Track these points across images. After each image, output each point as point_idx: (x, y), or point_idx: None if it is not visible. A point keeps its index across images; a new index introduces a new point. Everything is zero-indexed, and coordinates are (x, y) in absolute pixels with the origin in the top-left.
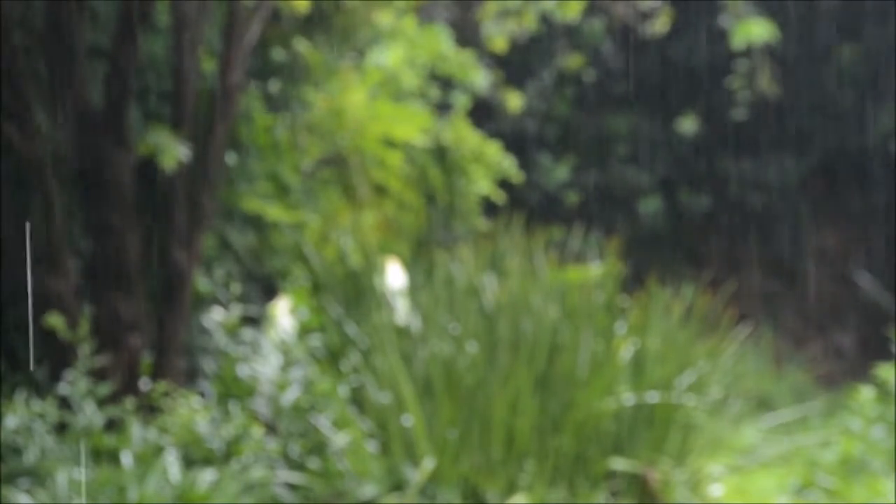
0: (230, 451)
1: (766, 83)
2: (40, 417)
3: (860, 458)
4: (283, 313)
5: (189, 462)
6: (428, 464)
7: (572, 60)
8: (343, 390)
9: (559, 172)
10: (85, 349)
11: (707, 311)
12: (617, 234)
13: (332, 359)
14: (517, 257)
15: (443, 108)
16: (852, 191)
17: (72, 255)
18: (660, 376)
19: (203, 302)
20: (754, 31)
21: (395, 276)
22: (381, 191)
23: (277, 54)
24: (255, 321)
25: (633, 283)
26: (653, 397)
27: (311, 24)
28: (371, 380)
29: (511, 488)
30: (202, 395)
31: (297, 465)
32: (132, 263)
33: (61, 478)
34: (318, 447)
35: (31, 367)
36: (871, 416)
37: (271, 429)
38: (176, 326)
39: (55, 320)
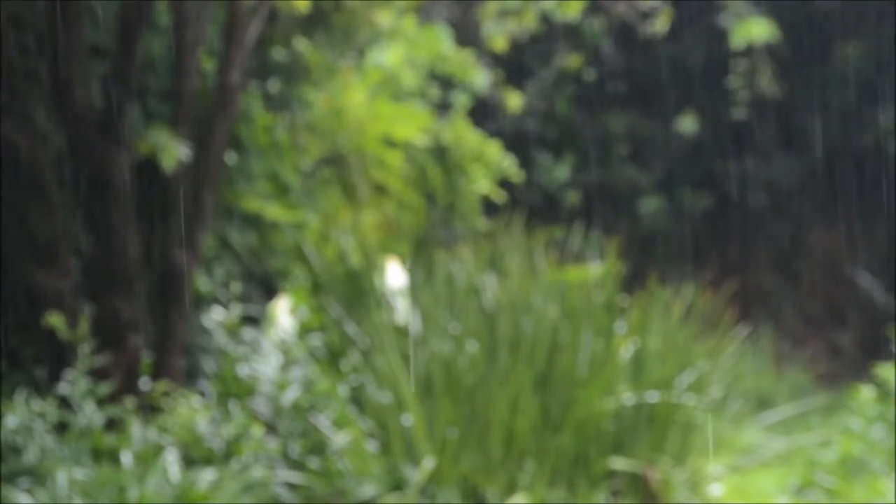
0: (230, 451)
1: (766, 83)
2: (40, 417)
3: (860, 457)
4: (283, 313)
5: (189, 462)
6: (428, 464)
7: (572, 60)
8: (343, 390)
9: (559, 172)
10: (85, 349)
11: (707, 311)
12: (617, 234)
13: (332, 359)
14: (517, 257)
15: (443, 108)
16: (852, 191)
17: (72, 255)
18: (660, 376)
19: (203, 302)
20: (754, 30)
21: (395, 276)
22: (381, 191)
23: (277, 54)
24: (255, 321)
25: (633, 283)
26: (653, 397)
27: (311, 24)
28: (371, 380)
29: (511, 488)
30: (202, 394)
31: (297, 465)
32: (132, 263)
33: (61, 478)
34: (318, 447)
35: (31, 367)
36: (871, 415)
37: (271, 428)
38: (176, 326)
39: (55, 320)
